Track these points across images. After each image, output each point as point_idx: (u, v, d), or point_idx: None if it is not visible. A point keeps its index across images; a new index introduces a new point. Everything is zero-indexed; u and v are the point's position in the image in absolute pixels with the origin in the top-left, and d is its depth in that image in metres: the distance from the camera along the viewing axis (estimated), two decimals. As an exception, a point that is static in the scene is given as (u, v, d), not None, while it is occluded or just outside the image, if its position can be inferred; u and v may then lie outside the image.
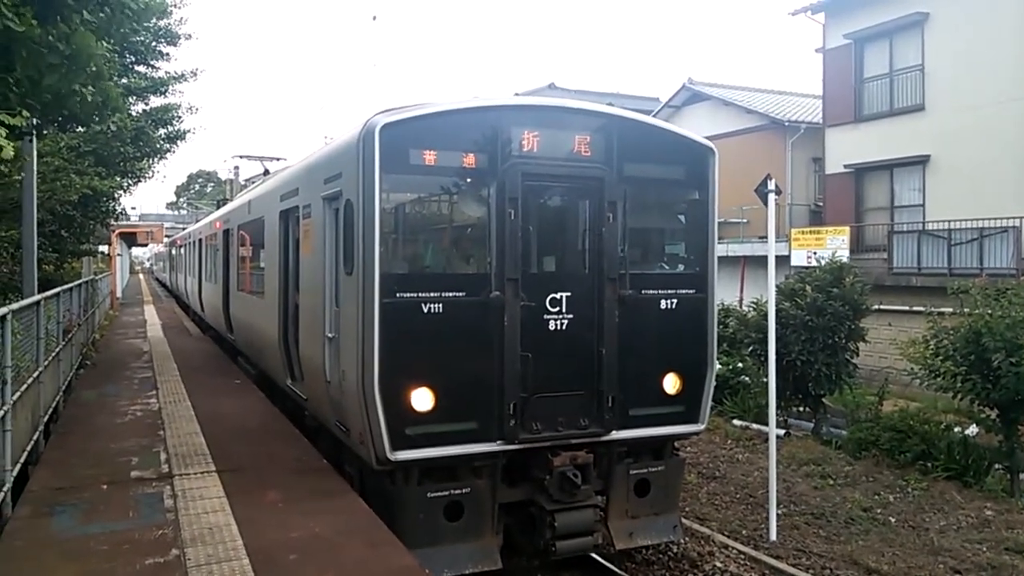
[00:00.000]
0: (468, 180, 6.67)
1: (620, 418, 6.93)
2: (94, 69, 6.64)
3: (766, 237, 9.00)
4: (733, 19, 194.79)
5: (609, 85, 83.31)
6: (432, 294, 6.31)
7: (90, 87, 6.74)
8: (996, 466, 11.06)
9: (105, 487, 6.52)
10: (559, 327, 6.71)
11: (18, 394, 6.67)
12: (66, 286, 12.13)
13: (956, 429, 11.90)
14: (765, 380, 9.92)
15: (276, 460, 7.45)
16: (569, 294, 6.75)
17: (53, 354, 9.30)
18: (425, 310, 6.27)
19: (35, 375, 7.80)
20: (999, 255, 17.30)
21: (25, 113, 6.39)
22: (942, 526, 9.00)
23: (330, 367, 7.25)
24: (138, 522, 5.69)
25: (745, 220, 25.34)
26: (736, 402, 14.74)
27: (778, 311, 10.58)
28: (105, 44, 7.50)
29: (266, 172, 19.32)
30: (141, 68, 17.91)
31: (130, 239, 44.21)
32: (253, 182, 19.62)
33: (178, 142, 19.43)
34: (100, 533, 5.44)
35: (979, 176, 18.69)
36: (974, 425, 11.94)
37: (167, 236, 44.51)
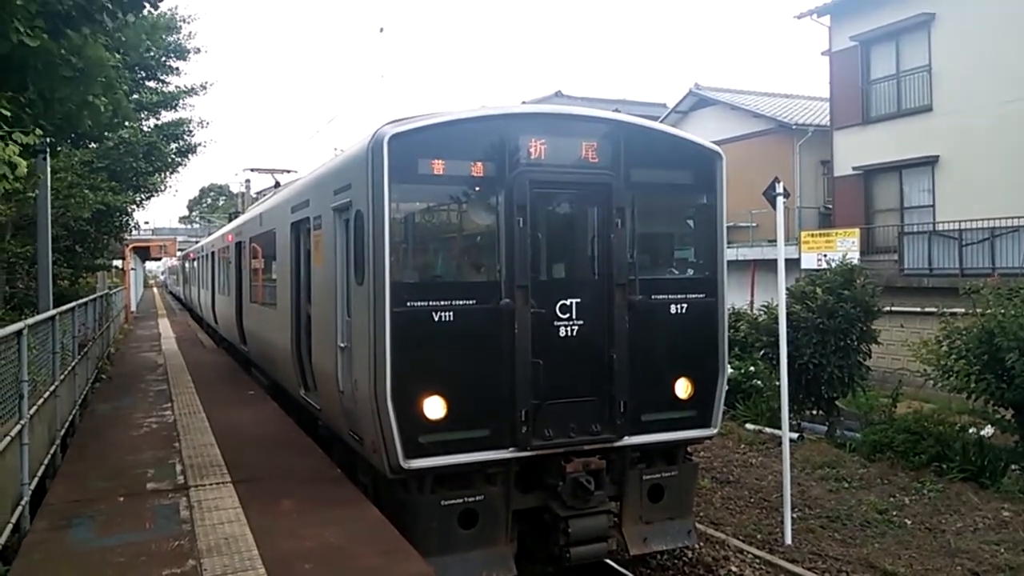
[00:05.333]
0: (477, 188, 6.70)
1: (632, 423, 6.92)
2: (104, 80, 6.77)
3: (776, 240, 9.00)
4: (739, 23, 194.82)
5: (616, 91, 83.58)
6: (443, 302, 6.33)
7: (102, 97, 6.87)
8: (1013, 467, 10.95)
9: (122, 499, 6.57)
10: (569, 333, 6.72)
11: (35, 408, 6.73)
12: (81, 301, 12.26)
13: (971, 430, 11.81)
14: (777, 383, 9.91)
15: (290, 470, 7.48)
16: (579, 300, 6.76)
17: (69, 368, 9.38)
18: (436, 318, 6.29)
19: (51, 389, 7.88)
20: (1011, 254, 17.19)
21: (38, 132, 6.49)
22: (959, 528, 8.94)
23: (343, 377, 7.29)
24: (155, 533, 5.73)
25: (754, 224, 25.29)
26: (749, 406, 14.68)
27: (789, 314, 10.54)
28: (118, 56, 7.62)
29: (277, 185, 19.42)
30: (152, 83, 18.14)
31: (144, 253, 44.55)
32: (264, 195, 19.73)
33: (189, 156, 19.73)
34: (117, 545, 5.48)
35: (989, 175, 18.58)
36: (989, 426, 11.86)
37: (180, 250, 44.81)
